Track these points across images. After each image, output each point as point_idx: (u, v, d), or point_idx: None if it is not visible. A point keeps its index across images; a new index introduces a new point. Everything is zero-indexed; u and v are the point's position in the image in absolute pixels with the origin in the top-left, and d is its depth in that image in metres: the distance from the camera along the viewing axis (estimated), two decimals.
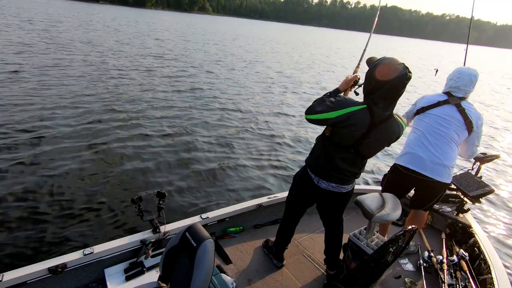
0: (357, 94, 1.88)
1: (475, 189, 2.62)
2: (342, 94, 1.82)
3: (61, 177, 3.77)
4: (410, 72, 1.47)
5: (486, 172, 5.86)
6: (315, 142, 1.89)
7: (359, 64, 2.05)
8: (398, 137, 1.69)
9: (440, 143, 2.07)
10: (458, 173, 2.86)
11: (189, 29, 33.35)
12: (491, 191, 2.60)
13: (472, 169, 2.87)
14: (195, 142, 5.35)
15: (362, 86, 1.65)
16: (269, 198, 2.71)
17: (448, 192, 2.96)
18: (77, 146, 4.56)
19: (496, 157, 2.85)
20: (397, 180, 2.29)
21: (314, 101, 1.71)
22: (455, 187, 2.81)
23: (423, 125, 2.17)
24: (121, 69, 10.03)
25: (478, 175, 2.80)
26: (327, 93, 1.78)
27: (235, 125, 6.50)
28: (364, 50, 2.19)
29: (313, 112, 1.66)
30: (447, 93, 2.19)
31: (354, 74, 1.86)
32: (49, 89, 6.96)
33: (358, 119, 1.57)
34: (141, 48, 15.12)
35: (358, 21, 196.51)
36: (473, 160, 2.84)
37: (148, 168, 4.29)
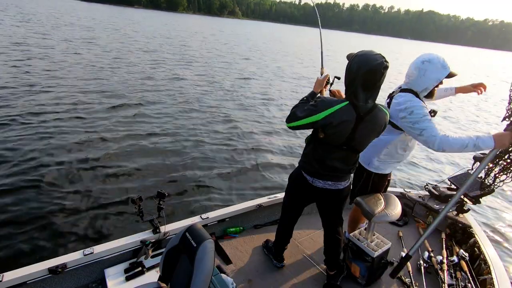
0: (339, 78, 1.88)
1: (475, 189, 2.61)
2: (319, 95, 1.84)
3: (60, 177, 3.78)
4: (387, 62, 1.50)
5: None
6: (305, 144, 1.88)
7: (322, 64, 2.08)
8: (386, 125, 1.71)
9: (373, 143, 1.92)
10: (458, 173, 2.85)
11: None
12: (491, 191, 2.59)
13: (472, 169, 2.87)
14: (195, 142, 5.36)
15: (344, 81, 1.66)
16: (269, 198, 2.71)
17: (448, 192, 2.96)
18: (77, 146, 4.56)
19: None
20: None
21: (293, 108, 1.70)
22: (455, 187, 2.80)
23: None
24: (130, 65, 10.05)
25: (478, 176, 2.79)
26: (303, 98, 1.78)
27: (236, 126, 6.50)
28: (322, 52, 2.22)
29: (297, 118, 1.65)
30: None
31: (324, 74, 1.89)
32: (54, 78, 6.97)
33: (344, 115, 1.59)
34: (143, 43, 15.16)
35: (391, 26, 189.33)
36: (472, 160, 2.84)
37: (148, 168, 4.29)
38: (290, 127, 1.71)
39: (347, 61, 1.62)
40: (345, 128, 1.62)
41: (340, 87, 1.92)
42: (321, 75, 1.91)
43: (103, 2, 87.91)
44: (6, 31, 14.39)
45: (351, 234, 2.21)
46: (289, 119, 1.69)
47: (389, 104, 1.94)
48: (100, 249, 1.91)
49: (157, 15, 63.31)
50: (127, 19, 36.57)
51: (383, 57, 1.51)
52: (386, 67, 1.51)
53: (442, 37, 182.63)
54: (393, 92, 2.02)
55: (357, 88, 1.56)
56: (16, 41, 12.30)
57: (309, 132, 1.82)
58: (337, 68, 16.38)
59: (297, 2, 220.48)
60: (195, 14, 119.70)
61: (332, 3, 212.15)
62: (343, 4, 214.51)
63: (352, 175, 1.92)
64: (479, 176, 2.75)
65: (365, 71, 1.51)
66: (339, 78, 1.94)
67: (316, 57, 21.83)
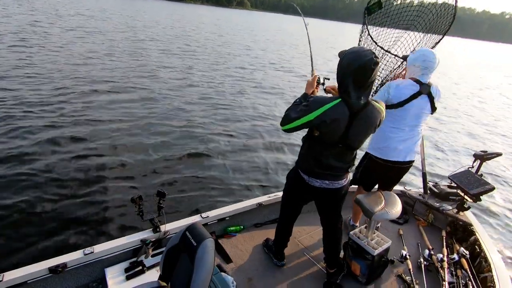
0: (328, 79, 2.01)
1: (476, 187, 2.61)
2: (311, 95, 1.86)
3: (60, 177, 3.77)
4: (377, 57, 1.51)
5: (487, 170, 5.85)
6: (301, 143, 1.89)
7: (312, 67, 2.18)
8: (380, 122, 1.72)
9: (413, 136, 2.25)
10: (458, 171, 2.85)
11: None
12: (491, 189, 2.59)
13: (473, 166, 2.87)
14: (195, 141, 5.35)
15: (336, 78, 1.68)
16: (269, 197, 2.71)
17: (448, 190, 2.96)
18: (77, 146, 4.56)
19: (497, 155, 2.84)
20: (376, 171, 2.40)
21: (286, 110, 1.72)
22: (455, 185, 2.80)
23: (397, 120, 2.22)
24: (129, 58, 10.02)
25: (479, 173, 2.80)
26: (296, 99, 1.79)
27: (235, 125, 6.49)
28: (311, 55, 2.31)
29: (291, 120, 1.66)
30: (416, 80, 2.14)
31: (313, 76, 1.93)
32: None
33: (337, 113, 1.59)
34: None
35: None
36: (473, 158, 2.85)
37: (148, 167, 4.29)
38: (285, 130, 1.71)
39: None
40: (338, 126, 1.62)
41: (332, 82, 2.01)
42: (311, 76, 1.96)
43: None
44: (10, 21, 14.44)
45: (351, 232, 2.21)
46: (283, 122, 1.70)
47: (431, 98, 2.15)
48: (100, 248, 1.91)
49: (166, 6, 63.95)
50: (134, 9, 36.90)
51: (373, 53, 1.51)
52: (376, 63, 1.51)
53: (456, 31, 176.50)
54: (428, 86, 2.14)
55: (349, 85, 1.57)
56: (18, 30, 12.39)
57: (305, 131, 1.82)
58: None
59: None
60: (203, 5, 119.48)
61: None
62: None
63: (350, 174, 1.92)
64: (479, 174, 2.77)
65: (356, 68, 1.51)
66: (328, 79, 2.04)
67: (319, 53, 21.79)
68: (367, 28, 2.35)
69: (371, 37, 2.34)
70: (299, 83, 11.50)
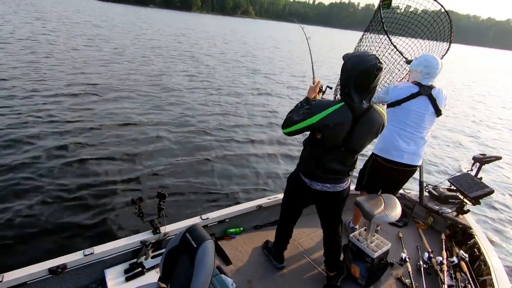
0: (330, 88, 2.08)
1: (475, 190, 2.62)
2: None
3: (60, 177, 3.78)
4: (380, 63, 1.52)
5: (486, 173, 5.86)
6: (302, 146, 1.89)
7: (313, 74, 2.23)
8: (383, 126, 1.72)
9: (417, 139, 2.25)
10: (457, 174, 2.86)
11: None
12: (491, 192, 2.60)
13: (472, 170, 2.87)
14: (195, 143, 5.36)
15: (339, 81, 1.69)
16: (269, 199, 2.72)
17: (448, 193, 2.96)
18: (77, 149, 4.57)
19: (497, 158, 2.85)
20: (381, 172, 2.39)
21: (288, 113, 1.72)
22: (454, 188, 2.81)
23: (398, 120, 2.25)
24: (130, 62, 10.04)
25: (478, 176, 2.80)
26: (298, 103, 1.80)
27: (235, 126, 6.50)
28: (312, 63, 2.37)
29: (293, 123, 1.66)
30: (416, 83, 2.20)
31: (317, 82, 1.96)
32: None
33: (339, 117, 1.59)
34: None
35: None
36: (472, 161, 2.85)
37: (148, 168, 4.29)
38: (286, 133, 1.72)
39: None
40: (341, 129, 1.62)
41: (331, 97, 2.11)
42: (313, 83, 1.98)
43: (118, 1, 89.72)
44: (16, 27, 14.53)
45: (351, 235, 2.22)
46: (285, 125, 1.70)
47: (432, 100, 2.17)
48: (100, 249, 1.92)
49: (172, 15, 65.24)
50: (139, 18, 37.18)
51: (377, 58, 1.51)
52: (380, 69, 1.51)
53: (461, 38, 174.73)
54: (429, 88, 2.17)
55: (352, 89, 1.57)
56: (25, 37, 12.44)
57: (307, 135, 1.83)
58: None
59: (310, 2, 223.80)
60: (209, 14, 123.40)
61: (347, 2, 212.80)
62: (358, 3, 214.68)
63: (350, 177, 1.92)
64: (478, 177, 2.78)
65: (359, 72, 1.52)
66: (331, 88, 2.09)
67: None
68: (381, 20, 2.33)
69: (385, 30, 2.30)
70: (301, 86, 11.53)
